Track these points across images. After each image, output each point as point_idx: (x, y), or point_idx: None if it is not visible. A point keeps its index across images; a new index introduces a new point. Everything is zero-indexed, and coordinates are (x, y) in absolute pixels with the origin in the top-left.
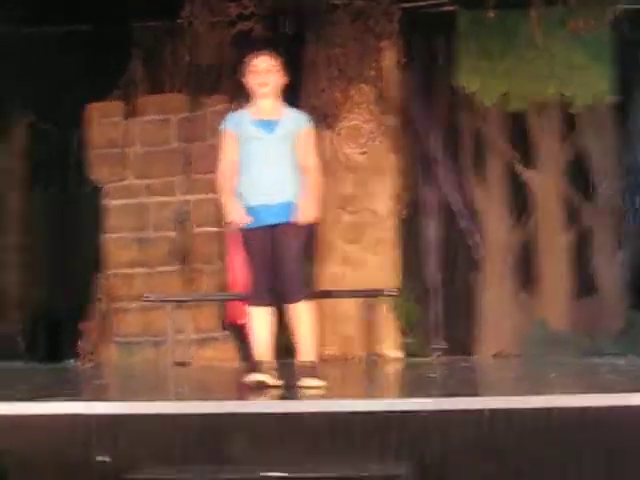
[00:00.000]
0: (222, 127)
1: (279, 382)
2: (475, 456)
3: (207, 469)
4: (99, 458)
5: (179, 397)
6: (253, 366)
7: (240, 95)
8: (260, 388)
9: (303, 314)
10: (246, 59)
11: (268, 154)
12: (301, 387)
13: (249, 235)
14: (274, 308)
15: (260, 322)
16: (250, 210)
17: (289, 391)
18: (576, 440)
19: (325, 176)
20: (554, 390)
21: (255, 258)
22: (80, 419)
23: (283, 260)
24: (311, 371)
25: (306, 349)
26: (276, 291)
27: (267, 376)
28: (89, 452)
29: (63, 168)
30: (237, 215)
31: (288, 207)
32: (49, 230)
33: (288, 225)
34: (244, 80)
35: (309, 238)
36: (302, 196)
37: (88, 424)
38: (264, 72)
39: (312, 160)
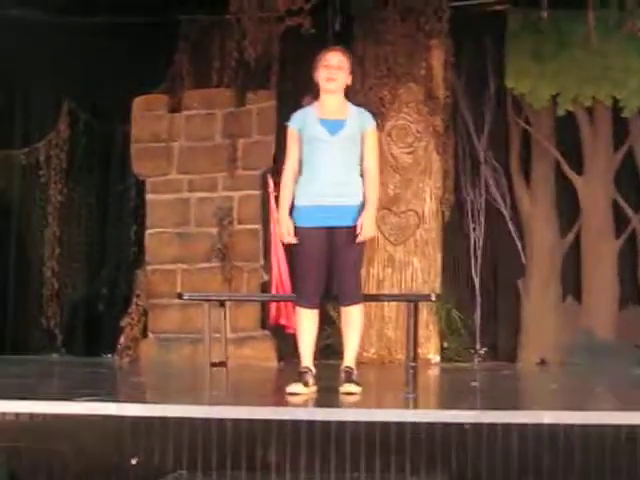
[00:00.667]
0: (288, 124)
1: (315, 391)
2: (517, 473)
3: (241, 476)
4: (132, 461)
5: (214, 401)
6: (297, 375)
7: (287, 91)
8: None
9: (355, 318)
10: (319, 53)
11: (332, 155)
12: (341, 392)
13: (305, 233)
14: (318, 310)
15: (306, 324)
16: (310, 209)
17: (328, 396)
18: (624, 458)
19: None
20: (600, 404)
21: (308, 258)
22: (112, 420)
23: (342, 266)
24: (351, 377)
25: (351, 354)
26: (328, 293)
27: (306, 388)
28: (121, 454)
29: (106, 161)
30: (284, 231)
31: (349, 211)
32: (90, 224)
33: (349, 230)
34: (314, 74)
35: (365, 244)
36: (366, 210)
37: (120, 426)
38: (335, 68)
39: (374, 161)
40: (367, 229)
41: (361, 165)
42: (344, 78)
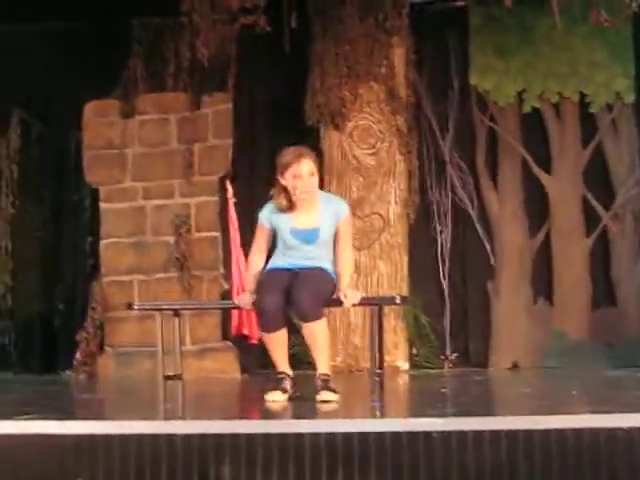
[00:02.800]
0: (258, 216)
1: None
2: None
3: None
4: None
5: (163, 416)
6: (275, 383)
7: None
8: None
9: (319, 331)
10: (284, 158)
11: (306, 253)
12: (319, 401)
13: (270, 274)
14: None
15: (276, 344)
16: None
17: (287, 406)
18: (603, 463)
19: (334, 178)
20: (575, 408)
21: (268, 285)
22: (54, 440)
23: (301, 286)
24: (328, 384)
25: (324, 362)
26: (290, 311)
27: (285, 394)
28: (63, 476)
29: (60, 170)
30: (244, 301)
31: (316, 265)
32: (44, 236)
33: (312, 269)
34: (279, 177)
35: (328, 284)
36: (343, 282)
37: (63, 445)
38: (307, 177)
39: (350, 251)
40: (352, 297)
41: (337, 252)
42: (317, 182)
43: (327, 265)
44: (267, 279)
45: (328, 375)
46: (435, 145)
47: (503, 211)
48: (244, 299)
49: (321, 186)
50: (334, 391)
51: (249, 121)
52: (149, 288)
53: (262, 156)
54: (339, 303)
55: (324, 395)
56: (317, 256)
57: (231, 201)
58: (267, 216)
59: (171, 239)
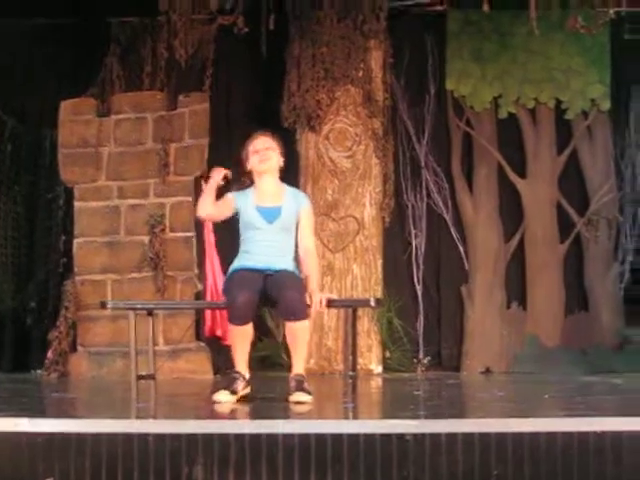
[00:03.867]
0: (230, 194)
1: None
2: None
3: None
4: None
5: (135, 415)
6: (226, 383)
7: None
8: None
9: (300, 334)
10: (246, 143)
11: (268, 241)
12: (292, 402)
13: (240, 273)
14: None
15: (241, 339)
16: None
17: (260, 407)
18: (576, 466)
19: (309, 180)
20: (548, 412)
21: (241, 282)
22: (24, 437)
23: (281, 286)
24: (302, 385)
25: (300, 362)
26: (268, 301)
27: (234, 395)
28: (34, 475)
29: (34, 168)
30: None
31: (282, 268)
32: (17, 234)
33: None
34: (245, 164)
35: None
36: (311, 285)
37: (34, 443)
38: (264, 150)
39: (311, 239)
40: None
41: (296, 247)
42: (277, 158)
43: (293, 266)
44: (239, 277)
45: (303, 376)
46: (411, 149)
47: (478, 216)
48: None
49: (297, 188)
50: (308, 392)
51: (225, 122)
52: (122, 288)
53: (238, 157)
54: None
55: (298, 396)
56: (281, 250)
57: None
58: (238, 195)
59: (145, 239)
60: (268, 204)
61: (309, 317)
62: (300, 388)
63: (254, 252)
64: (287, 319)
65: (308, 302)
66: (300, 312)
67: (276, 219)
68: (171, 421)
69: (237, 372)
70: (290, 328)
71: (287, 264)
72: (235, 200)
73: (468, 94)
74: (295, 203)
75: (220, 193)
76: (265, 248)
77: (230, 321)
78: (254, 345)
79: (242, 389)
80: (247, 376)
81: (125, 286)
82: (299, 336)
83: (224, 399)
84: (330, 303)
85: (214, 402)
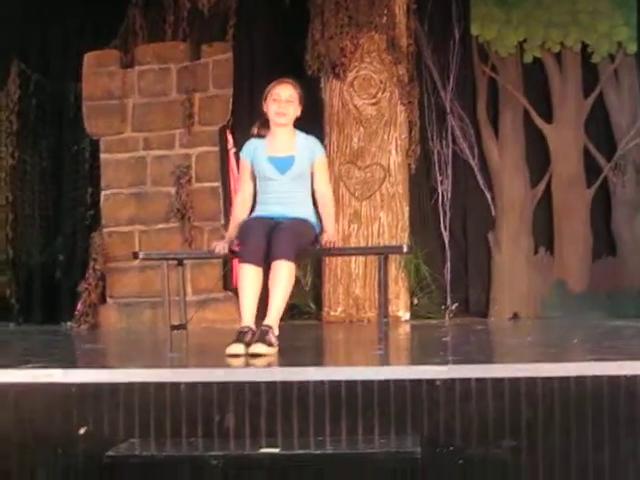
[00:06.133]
0: (240, 155)
1: (259, 349)
2: (494, 430)
3: (197, 443)
4: (80, 430)
5: (167, 364)
6: (235, 337)
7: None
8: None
9: (282, 274)
10: (268, 86)
11: (282, 192)
12: (249, 354)
13: (252, 220)
14: (262, 271)
15: (248, 281)
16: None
17: (290, 355)
18: (606, 411)
19: (334, 128)
20: (577, 356)
21: (253, 220)
22: (58, 388)
23: (279, 229)
24: (265, 336)
25: (273, 312)
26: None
27: (247, 347)
28: (68, 424)
29: (59, 122)
30: (219, 247)
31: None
32: (44, 188)
33: (294, 219)
34: (263, 105)
35: (309, 234)
36: (327, 227)
37: (67, 393)
38: (285, 101)
39: (327, 186)
40: (330, 233)
41: (313, 196)
42: (294, 111)
43: (308, 214)
44: (251, 222)
45: (270, 327)
46: (436, 95)
47: (504, 161)
48: (219, 245)
49: (322, 136)
50: (269, 344)
51: (249, 71)
52: (150, 239)
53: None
54: (317, 252)
55: (256, 347)
56: (295, 198)
57: (231, 151)
58: (247, 150)
59: (172, 190)
60: (280, 154)
61: (292, 261)
62: (261, 339)
63: (268, 202)
64: (272, 258)
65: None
66: (283, 251)
67: (288, 169)
68: (202, 369)
69: (244, 327)
70: (272, 268)
71: (302, 213)
72: (247, 158)
73: (493, 39)
74: (308, 151)
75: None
76: (279, 198)
77: (240, 260)
78: None
79: (257, 341)
80: (255, 329)
81: (153, 237)
82: (278, 277)
83: (238, 351)
84: (361, 250)
85: (228, 356)
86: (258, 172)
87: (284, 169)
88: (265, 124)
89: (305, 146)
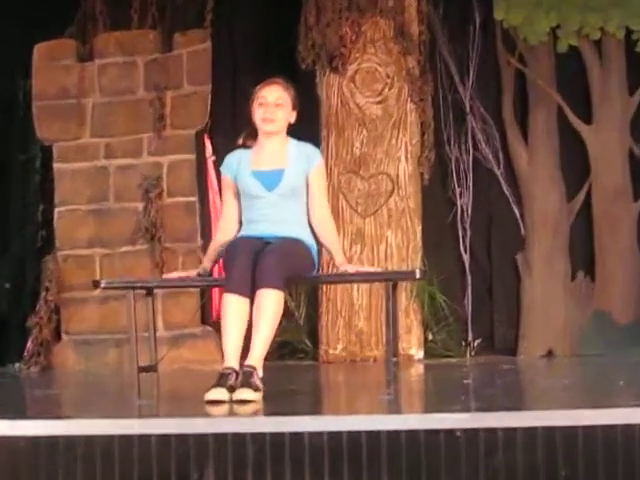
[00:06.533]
0: (221, 170)
1: (245, 395)
2: None
3: None
4: None
5: (137, 413)
6: (217, 380)
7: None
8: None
9: (267, 304)
10: (255, 88)
11: (270, 209)
12: (233, 400)
13: (238, 240)
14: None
15: (233, 314)
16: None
17: (282, 401)
18: None
19: (333, 131)
20: (624, 401)
21: (239, 244)
22: (5, 442)
23: (267, 252)
24: (250, 379)
25: (257, 350)
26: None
27: (229, 393)
28: None
29: (3, 124)
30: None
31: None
32: None
33: (284, 238)
34: (250, 110)
35: (302, 255)
36: (333, 249)
37: (14, 448)
38: (273, 105)
39: (326, 205)
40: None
41: (309, 215)
42: (285, 116)
43: (302, 234)
44: (237, 244)
45: (253, 367)
46: (453, 91)
47: (535, 170)
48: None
49: (317, 142)
50: (256, 388)
51: (231, 64)
52: (113, 264)
53: (247, 106)
54: (312, 279)
55: (240, 393)
56: (286, 215)
57: (210, 159)
58: (228, 164)
59: (139, 205)
60: (267, 167)
61: (280, 290)
62: (246, 383)
63: (255, 220)
64: (257, 286)
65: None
66: (269, 277)
67: (277, 185)
68: (177, 419)
69: (227, 368)
70: (256, 297)
71: (294, 232)
72: (229, 174)
73: (520, 24)
74: (302, 162)
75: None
76: (267, 215)
77: (224, 290)
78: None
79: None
80: (239, 372)
81: (116, 262)
82: (262, 308)
83: (219, 397)
84: (366, 276)
85: (208, 403)
86: (242, 189)
87: (271, 185)
88: (253, 133)
89: (298, 156)
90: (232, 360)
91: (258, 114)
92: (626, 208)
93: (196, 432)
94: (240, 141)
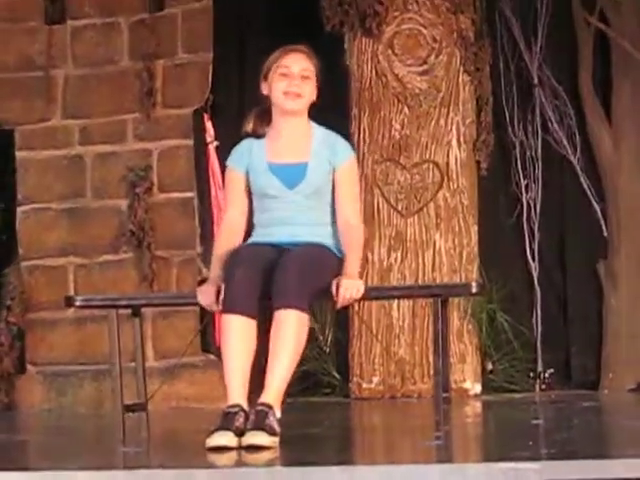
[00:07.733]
0: (228, 163)
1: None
2: None
3: None
4: None
5: (123, 463)
6: (221, 422)
7: None
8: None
9: (289, 329)
10: (270, 57)
11: (289, 211)
12: (244, 445)
13: (246, 247)
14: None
15: (235, 339)
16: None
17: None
18: None
19: (365, 111)
20: None
21: (245, 255)
22: None
23: (288, 261)
24: (265, 421)
25: (275, 384)
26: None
27: (236, 437)
28: None
29: None
30: (205, 303)
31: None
32: None
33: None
34: (262, 84)
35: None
36: (350, 259)
37: None
38: (298, 78)
39: (354, 207)
40: (349, 289)
41: (333, 215)
42: (311, 93)
43: (326, 237)
44: (240, 253)
45: (270, 406)
46: (517, 59)
47: (620, 156)
48: (205, 294)
49: (345, 123)
50: (272, 432)
51: (238, 28)
52: (91, 277)
53: (257, 79)
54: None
55: (252, 437)
56: (309, 220)
57: (212, 145)
58: (238, 156)
59: (123, 203)
60: (287, 159)
61: (306, 311)
62: (259, 424)
63: (269, 224)
64: (275, 305)
65: (334, 291)
66: (291, 295)
67: (299, 182)
68: (172, 471)
69: (232, 406)
70: (275, 319)
71: (318, 236)
72: (239, 168)
73: None
74: (329, 155)
75: None
76: (284, 218)
77: (222, 309)
78: None
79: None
80: (247, 409)
81: (95, 274)
82: (283, 335)
83: (223, 442)
84: (408, 291)
85: (210, 450)
86: (255, 187)
87: (292, 183)
88: (265, 116)
89: (323, 146)
90: (238, 396)
91: (279, 87)
92: None
93: None
94: (249, 127)
